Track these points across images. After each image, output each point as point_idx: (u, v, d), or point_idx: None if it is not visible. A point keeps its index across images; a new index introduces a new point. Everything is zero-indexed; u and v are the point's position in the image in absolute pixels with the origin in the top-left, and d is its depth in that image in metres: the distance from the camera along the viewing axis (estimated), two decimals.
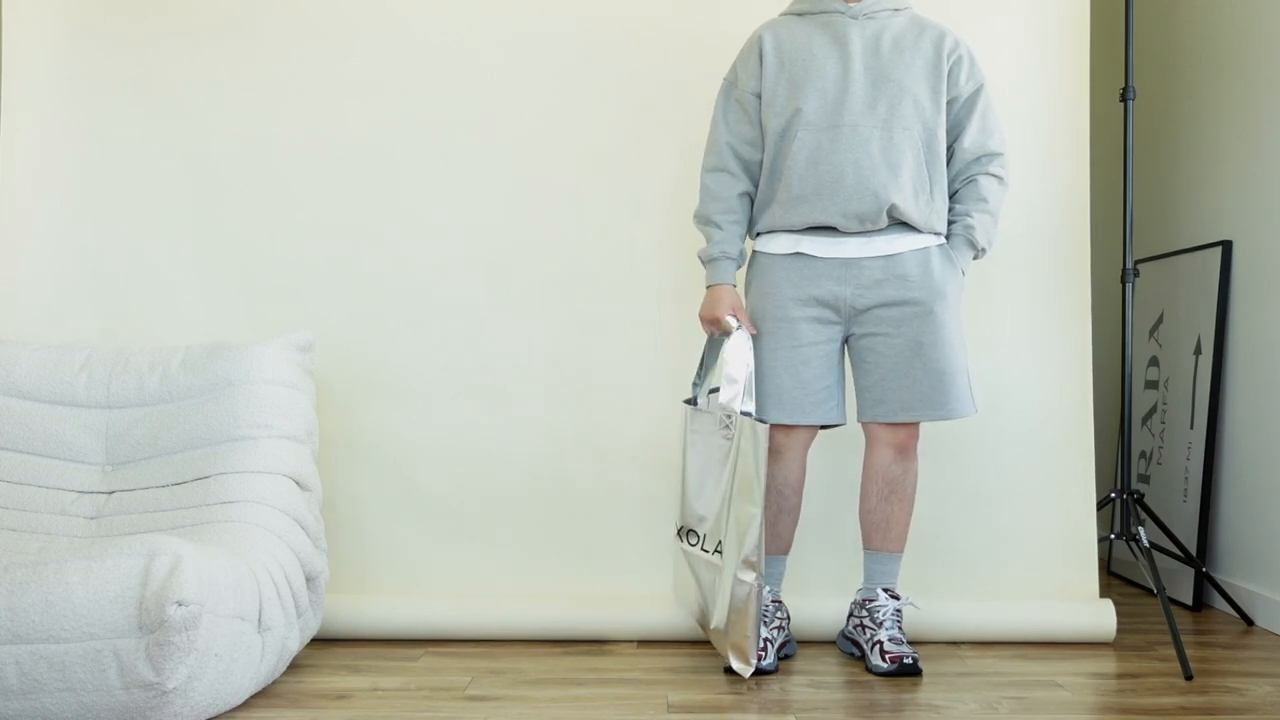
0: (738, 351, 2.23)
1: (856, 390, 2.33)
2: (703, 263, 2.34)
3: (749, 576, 2.16)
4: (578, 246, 2.71)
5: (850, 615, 2.39)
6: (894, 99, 2.24)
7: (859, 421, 2.34)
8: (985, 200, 2.31)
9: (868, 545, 2.37)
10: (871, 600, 2.35)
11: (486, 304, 2.71)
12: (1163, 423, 3.20)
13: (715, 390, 2.37)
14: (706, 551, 2.26)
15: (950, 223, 2.34)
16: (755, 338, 2.31)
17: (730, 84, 2.35)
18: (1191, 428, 3.03)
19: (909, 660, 2.24)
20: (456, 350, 2.69)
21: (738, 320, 2.27)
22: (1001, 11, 2.68)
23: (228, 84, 2.73)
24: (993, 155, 2.33)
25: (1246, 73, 2.91)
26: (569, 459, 2.68)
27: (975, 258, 2.34)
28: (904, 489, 2.33)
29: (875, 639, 2.30)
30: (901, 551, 2.37)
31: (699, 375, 2.40)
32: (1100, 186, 3.76)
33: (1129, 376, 2.68)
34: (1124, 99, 2.67)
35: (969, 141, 2.32)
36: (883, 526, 2.34)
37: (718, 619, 2.22)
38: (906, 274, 2.26)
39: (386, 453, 2.67)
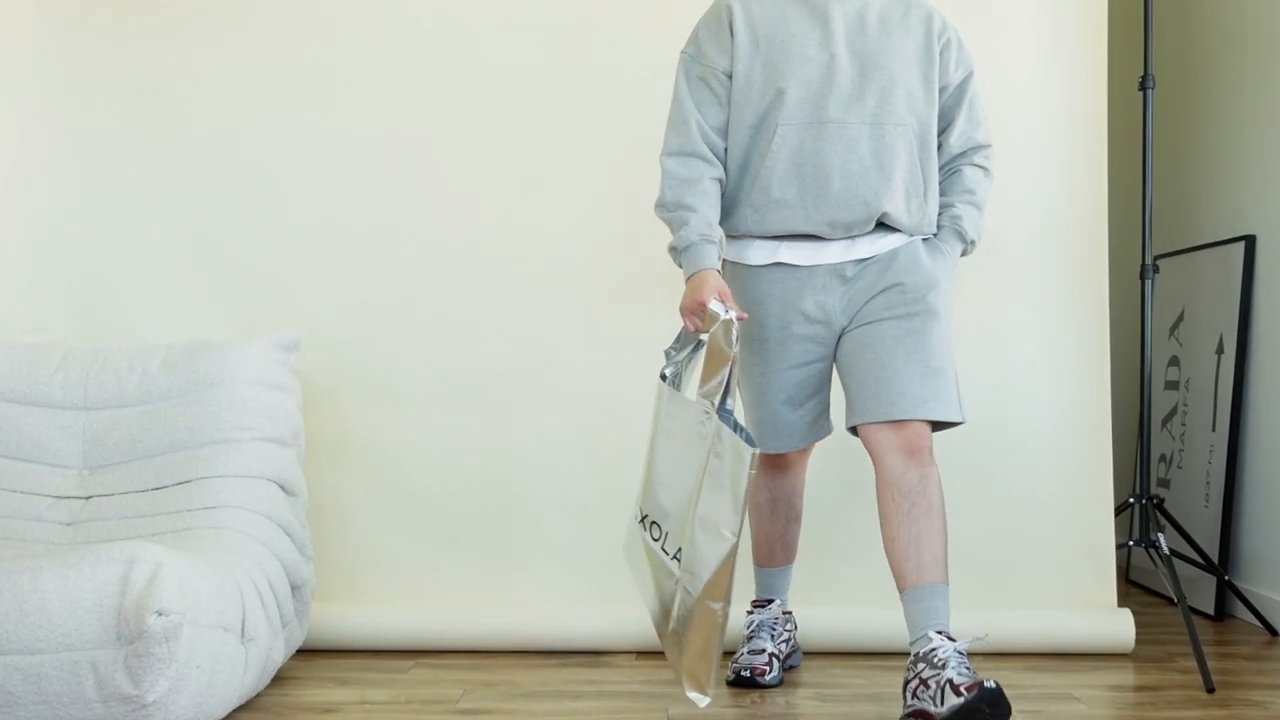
0: (725, 339, 1.97)
1: (846, 394, 2.09)
2: (676, 253, 2.07)
3: (716, 605, 1.83)
4: (574, 245, 2.67)
5: (905, 685, 1.91)
6: (884, 90, 2.03)
7: (850, 430, 2.07)
8: (972, 192, 2.14)
9: (901, 584, 1.95)
10: (925, 648, 1.90)
11: (479, 303, 2.67)
12: (1183, 425, 3.17)
13: (700, 345, 2.13)
14: (667, 553, 1.97)
15: None
16: (741, 361, 2.13)
17: (692, 58, 2.11)
18: (1213, 430, 3.00)
19: (990, 684, 1.78)
20: (448, 351, 2.67)
21: (725, 306, 1.97)
22: None
23: (209, 75, 2.70)
24: (979, 147, 2.17)
25: (1270, 60, 2.88)
26: (565, 464, 2.64)
27: (964, 253, 2.17)
28: (927, 500, 1.95)
29: (943, 681, 1.83)
30: (944, 582, 1.94)
31: (675, 345, 2.13)
32: (1118, 179, 3.73)
33: (1148, 377, 2.65)
34: (1143, 88, 2.65)
35: (956, 135, 2.13)
36: (912, 552, 1.94)
37: (675, 634, 1.95)
38: (895, 263, 2.06)
39: (375, 456, 2.65)
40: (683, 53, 2.13)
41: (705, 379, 1.96)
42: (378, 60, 2.69)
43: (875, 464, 2.01)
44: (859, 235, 2.08)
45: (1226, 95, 3.09)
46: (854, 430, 2.06)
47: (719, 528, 1.84)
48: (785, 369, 2.11)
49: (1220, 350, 3.00)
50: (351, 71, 2.69)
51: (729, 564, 1.82)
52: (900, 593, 1.96)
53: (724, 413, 1.92)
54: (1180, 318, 3.23)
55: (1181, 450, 3.17)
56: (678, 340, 2.14)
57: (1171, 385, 3.26)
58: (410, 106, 2.69)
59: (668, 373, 2.13)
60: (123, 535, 2.21)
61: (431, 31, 2.69)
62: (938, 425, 2.04)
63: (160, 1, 2.70)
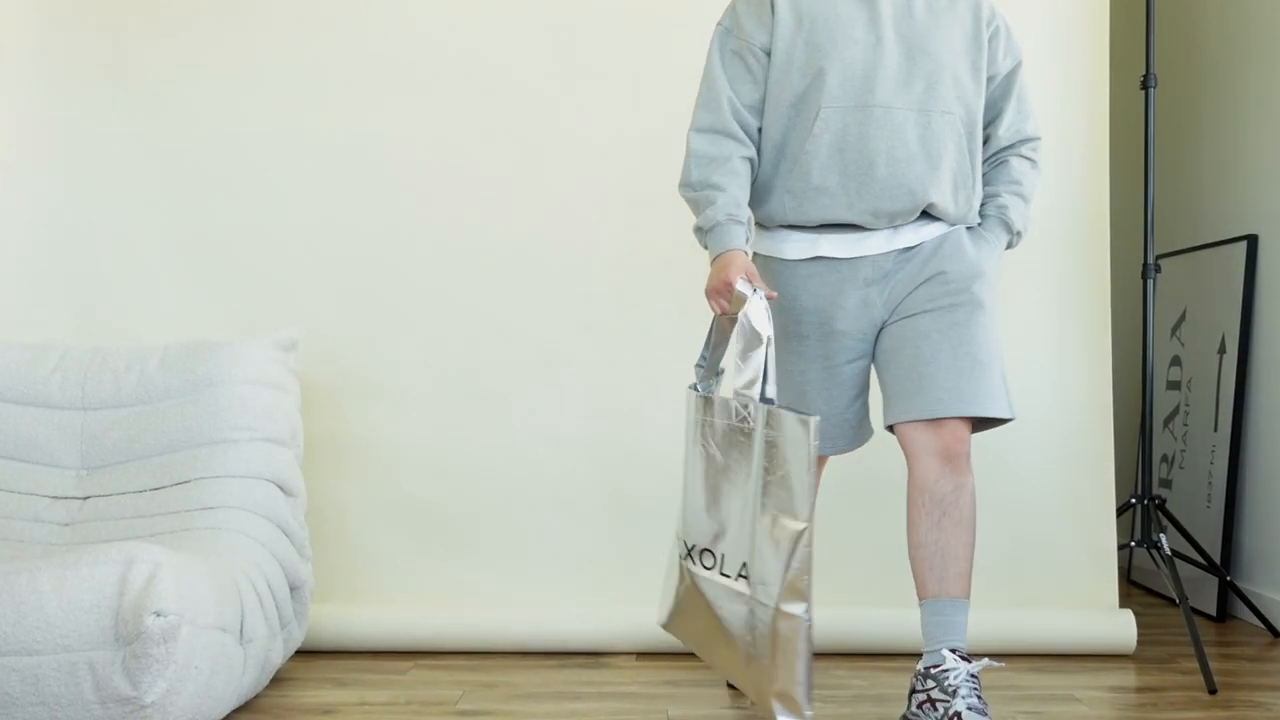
0: (756, 320, 1.80)
1: (883, 391, 1.98)
2: (701, 233, 1.94)
3: (797, 608, 1.69)
4: (575, 244, 2.66)
5: (911, 692, 1.90)
6: (932, 76, 1.92)
7: (889, 428, 1.96)
8: (1019, 183, 2.04)
9: (922, 592, 1.89)
10: (937, 666, 1.85)
11: (479, 303, 2.66)
12: (1185, 425, 3.16)
13: (722, 373, 2.05)
14: (728, 576, 1.83)
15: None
16: (779, 358, 2.01)
17: (728, 31, 1.98)
18: (1215, 430, 2.99)
19: None
20: (448, 351, 2.66)
21: (753, 285, 1.84)
22: None
23: (210, 75, 2.69)
24: (1028, 139, 2.06)
25: (1272, 59, 2.86)
26: (565, 464, 2.63)
27: (1009, 244, 2.04)
28: (959, 510, 1.87)
29: (951, 711, 1.79)
30: (966, 597, 1.88)
31: (705, 352, 2.01)
32: (1120, 179, 3.72)
33: (1150, 377, 2.64)
34: (1145, 86, 2.64)
35: (1005, 128, 2.04)
36: (937, 562, 1.87)
37: (753, 661, 1.81)
38: (939, 251, 1.96)
39: (374, 456, 2.64)
40: (718, 25, 2.00)
41: (740, 367, 1.84)
42: (377, 61, 2.68)
43: (909, 465, 1.93)
44: (902, 225, 1.97)
45: (1228, 94, 3.08)
46: (890, 428, 1.97)
47: (784, 518, 1.72)
48: (828, 368, 1.99)
49: (1222, 350, 2.99)
50: (351, 72, 2.68)
51: (804, 557, 1.70)
52: (920, 600, 1.91)
53: (766, 401, 1.81)
54: (1182, 317, 3.22)
55: (1183, 450, 3.15)
56: (706, 348, 2.03)
57: (1173, 385, 3.25)
58: (410, 107, 2.68)
59: (699, 386, 2.03)
60: (121, 536, 2.19)
61: (431, 32, 2.68)
62: (983, 424, 1.95)
63: (160, 2, 2.69)
